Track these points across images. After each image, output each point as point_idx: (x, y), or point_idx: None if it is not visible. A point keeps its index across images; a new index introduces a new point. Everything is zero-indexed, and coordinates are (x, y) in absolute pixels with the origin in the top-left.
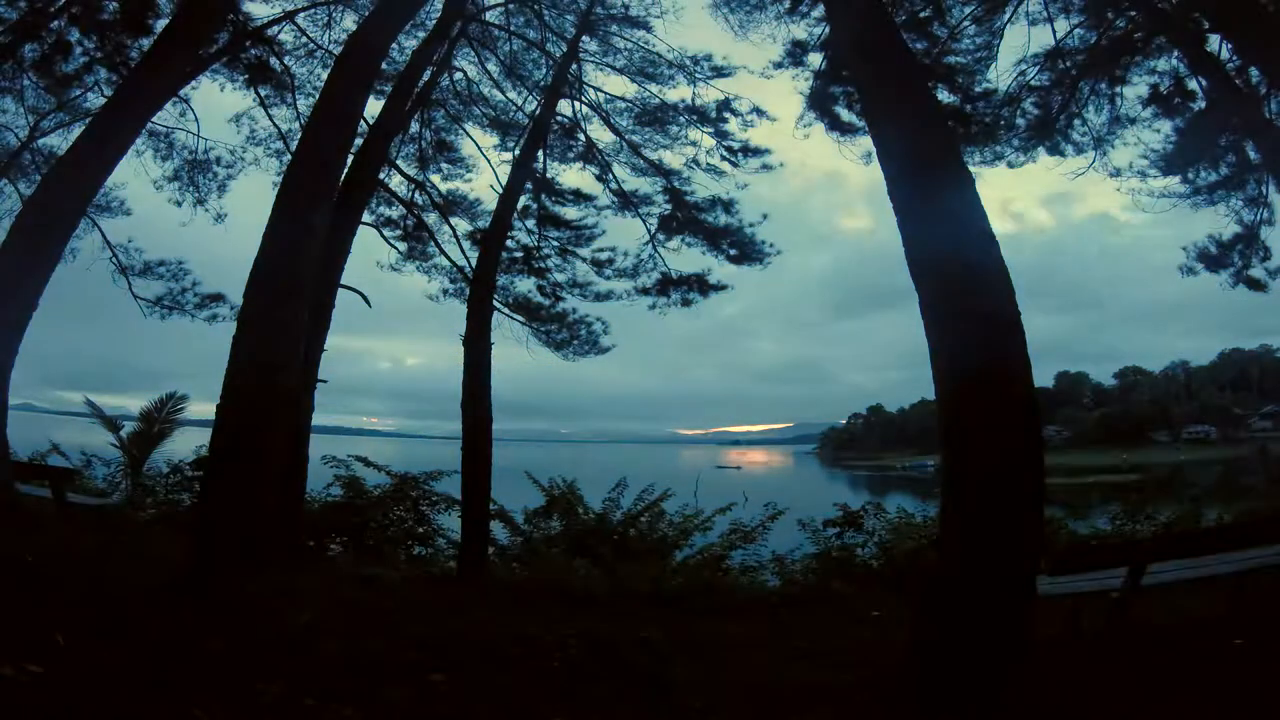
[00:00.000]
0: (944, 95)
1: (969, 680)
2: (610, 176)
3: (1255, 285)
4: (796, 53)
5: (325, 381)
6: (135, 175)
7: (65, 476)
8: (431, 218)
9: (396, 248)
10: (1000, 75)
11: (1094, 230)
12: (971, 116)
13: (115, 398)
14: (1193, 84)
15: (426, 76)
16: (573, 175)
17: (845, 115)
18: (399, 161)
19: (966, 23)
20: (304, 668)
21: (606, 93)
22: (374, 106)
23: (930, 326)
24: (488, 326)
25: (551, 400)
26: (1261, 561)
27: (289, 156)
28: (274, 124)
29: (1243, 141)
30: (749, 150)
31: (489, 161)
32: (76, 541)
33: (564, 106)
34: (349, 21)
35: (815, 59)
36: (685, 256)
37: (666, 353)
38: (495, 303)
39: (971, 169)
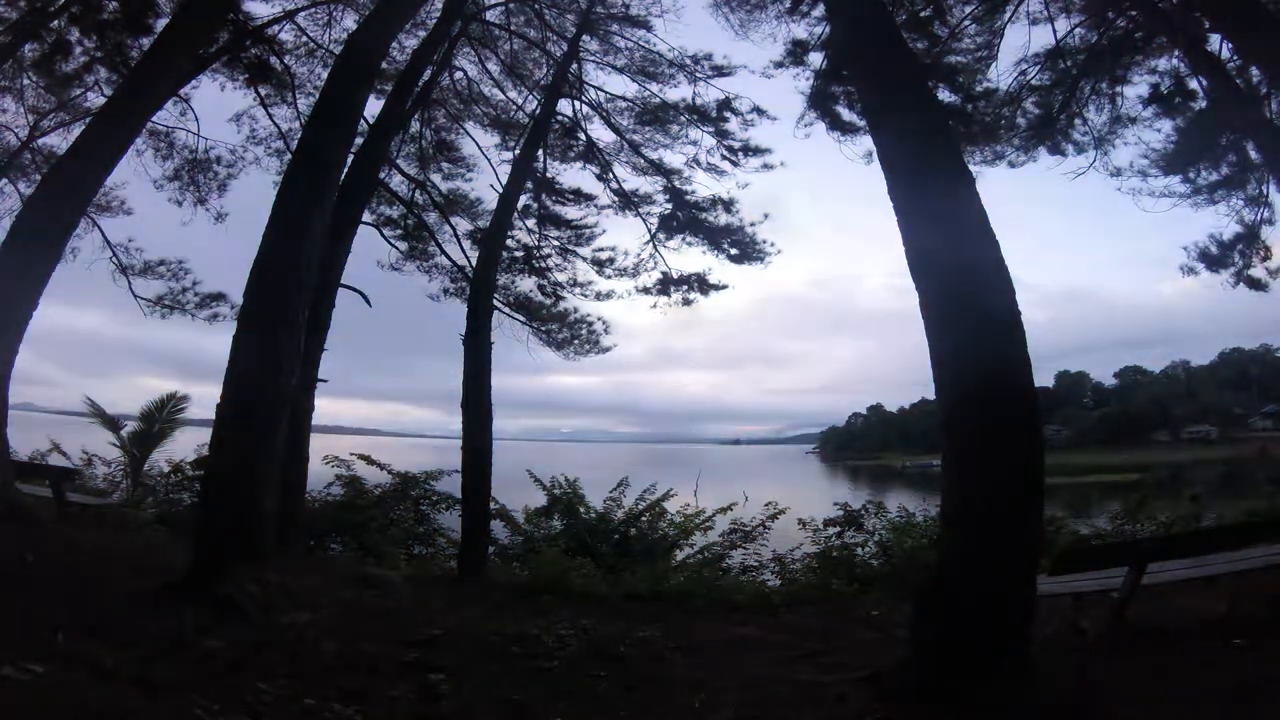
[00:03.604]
0: (944, 95)
1: (969, 680)
2: (611, 176)
3: (1256, 285)
4: (797, 52)
5: (325, 381)
6: (135, 175)
7: (65, 476)
8: (432, 217)
9: (397, 247)
10: (1001, 75)
11: None
12: (972, 116)
13: None
14: (1193, 83)
15: (427, 76)
16: (573, 175)
17: (846, 115)
18: (399, 161)
19: (967, 22)
20: (304, 668)
21: (607, 92)
22: (374, 106)
23: (930, 326)
24: (488, 326)
25: (551, 399)
26: (1261, 561)
27: (289, 156)
28: (274, 123)
29: (1243, 141)
30: (750, 149)
31: (489, 161)
32: (76, 541)
33: (564, 106)
34: (349, 21)
35: (816, 58)
36: (686, 256)
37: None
38: (496, 302)
39: (972, 169)
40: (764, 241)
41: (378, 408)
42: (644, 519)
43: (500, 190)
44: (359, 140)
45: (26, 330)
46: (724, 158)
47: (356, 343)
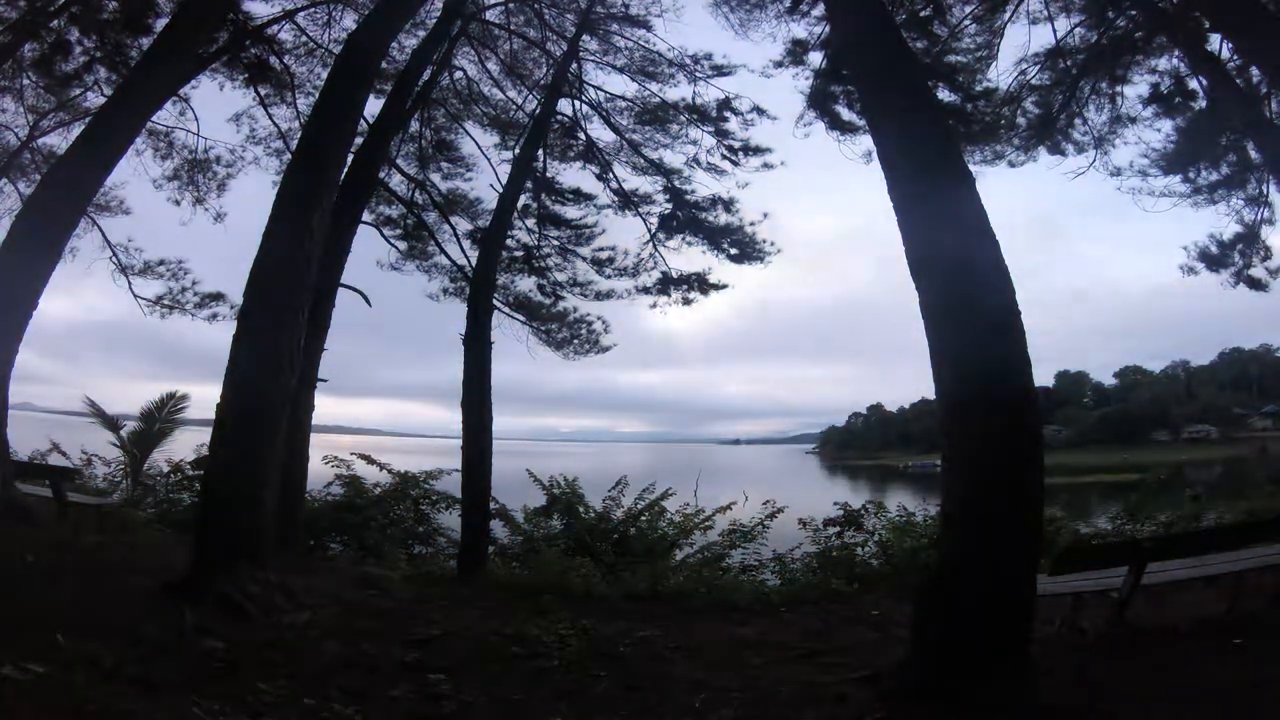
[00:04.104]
0: (944, 94)
1: (969, 680)
2: (610, 175)
3: (1256, 285)
4: (797, 52)
5: (325, 381)
6: (135, 174)
7: (65, 476)
8: (431, 217)
9: (396, 247)
10: (1001, 74)
11: None
12: (972, 115)
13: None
14: (1193, 83)
15: (426, 75)
16: (573, 174)
17: (845, 114)
18: (399, 161)
19: (967, 22)
20: (304, 668)
21: (607, 92)
22: (374, 105)
23: (930, 325)
24: (488, 326)
25: (550, 398)
26: (1261, 561)
27: (289, 156)
28: (274, 123)
29: (1243, 141)
30: (749, 149)
31: (489, 161)
32: (76, 541)
33: (564, 106)
34: (349, 20)
35: (815, 58)
36: (686, 255)
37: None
38: (495, 302)
39: (972, 168)
40: (764, 241)
41: (379, 407)
42: (644, 519)
43: (500, 190)
44: (359, 140)
45: (26, 330)
46: (724, 157)
47: (358, 342)
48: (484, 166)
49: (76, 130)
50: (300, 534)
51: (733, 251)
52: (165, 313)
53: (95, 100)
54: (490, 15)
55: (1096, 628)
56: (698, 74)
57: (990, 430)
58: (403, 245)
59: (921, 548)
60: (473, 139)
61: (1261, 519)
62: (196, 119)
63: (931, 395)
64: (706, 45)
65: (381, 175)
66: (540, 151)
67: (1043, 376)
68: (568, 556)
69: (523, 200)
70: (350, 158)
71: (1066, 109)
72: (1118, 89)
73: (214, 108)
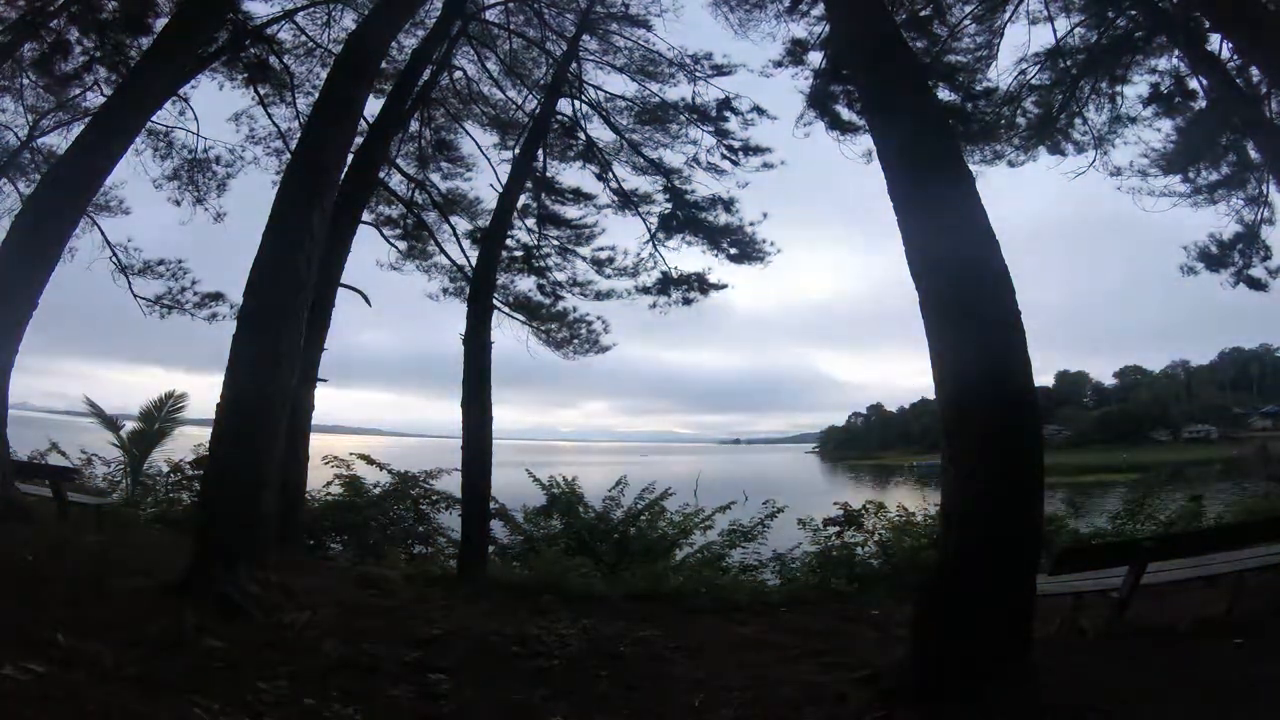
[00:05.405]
0: (944, 94)
1: (969, 680)
2: (610, 175)
3: (1255, 284)
4: (796, 51)
5: (325, 380)
6: (135, 174)
7: (65, 476)
8: (431, 217)
9: (396, 247)
10: (1001, 74)
11: None
12: (972, 115)
13: None
14: (1193, 83)
15: (426, 75)
16: (573, 174)
17: (845, 114)
18: (399, 161)
19: (967, 21)
20: (304, 668)
21: (606, 91)
22: (374, 105)
23: (930, 325)
24: (488, 325)
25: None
26: (1261, 561)
27: (288, 155)
28: (273, 123)
29: (1243, 141)
30: (749, 149)
31: (489, 160)
32: (76, 541)
33: (564, 105)
34: (348, 20)
35: (815, 58)
36: (685, 255)
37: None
38: (495, 301)
39: (971, 168)
40: (764, 241)
41: (379, 405)
42: (643, 518)
43: (500, 190)
44: (359, 140)
45: (26, 329)
46: (724, 157)
47: (359, 340)
48: (484, 166)
49: (76, 130)
50: (300, 534)
51: (732, 251)
52: (164, 313)
53: (95, 100)
54: (490, 15)
55: (1096, 628)
56: (697, 74)
57: (990, 430)
58: (403, 245)
59: (921, 548)
60: (473, 139)
61: (1261, 519)
62: (196, 119)
63: (931, 395)
64: (706, 45)
65: (381, 175)
66: (540, 151)
67: (1043, 376)
68: (568, 556)
69: (523, 200)
70: (350, 158)
71: (1066, 109)
72: (1118, 89)
73: (214, 108)
